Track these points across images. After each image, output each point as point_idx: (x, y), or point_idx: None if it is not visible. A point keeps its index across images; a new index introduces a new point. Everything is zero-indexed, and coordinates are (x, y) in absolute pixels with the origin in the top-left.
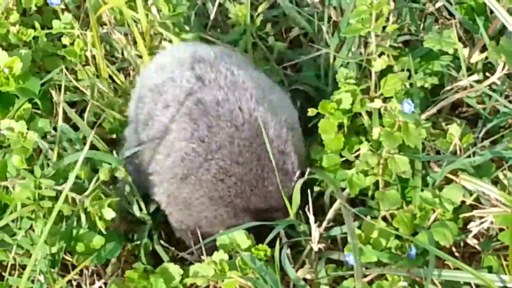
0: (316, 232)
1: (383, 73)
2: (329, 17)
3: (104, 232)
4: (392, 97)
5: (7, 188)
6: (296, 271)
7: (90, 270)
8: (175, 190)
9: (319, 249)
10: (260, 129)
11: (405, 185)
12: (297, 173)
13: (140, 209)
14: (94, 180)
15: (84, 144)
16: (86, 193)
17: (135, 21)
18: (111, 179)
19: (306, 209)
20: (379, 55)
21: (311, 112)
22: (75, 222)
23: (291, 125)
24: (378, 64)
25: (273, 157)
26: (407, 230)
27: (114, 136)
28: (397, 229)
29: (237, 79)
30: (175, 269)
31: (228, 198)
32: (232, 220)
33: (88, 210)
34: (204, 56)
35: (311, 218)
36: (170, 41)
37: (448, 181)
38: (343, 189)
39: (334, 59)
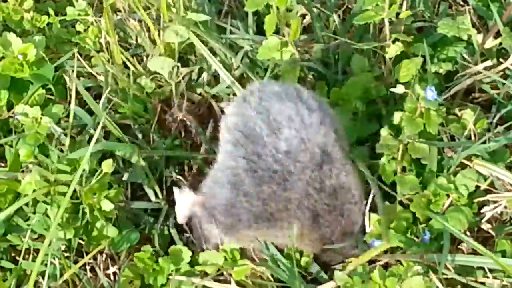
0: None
1: (396, 60)
2: (343, 4)
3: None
4: (407, 82)
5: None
6: None
7: (104, 255)
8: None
9: None
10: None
11: (420, 170)
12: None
13: (156, 195)
14: (98, 172)
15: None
16: (89, 185)
17: (148, 7)
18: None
19: None
20: (393, 42)
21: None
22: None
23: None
24: (392, 50)
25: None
26: (422, 215)
27: (127, 121)
28: (413, 214)
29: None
30: (184, 251)
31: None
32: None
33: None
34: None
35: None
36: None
37: (463, 167)
38: None
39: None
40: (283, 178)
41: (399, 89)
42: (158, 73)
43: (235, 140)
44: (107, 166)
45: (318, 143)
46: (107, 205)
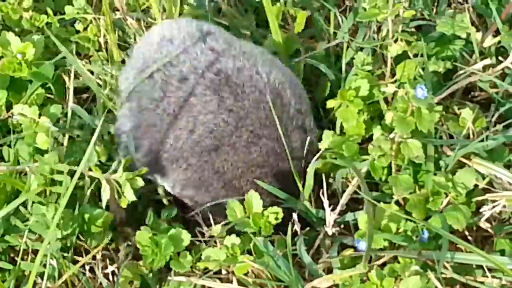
0: (331, 216)
1: (396, 59)
2: (343, 2)
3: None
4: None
5: (19, 173)
6: (308, 253)
7: (103, 255)
8: (203, 164)
9: (333, 233)
10: (279, 92)
11: (417, 169)
12: (315, 130)
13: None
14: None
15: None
16: (111, 170)
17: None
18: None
19: (321, 193)
20: (395, 41)
21: (330, 104)
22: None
23: (300, 86)
24: (394, 50)
25: (294, 116)
26: (420, 214)
27: None
28: (410, 214)
29: (246, 49)
30: (184, 234)
31: (262, 158)
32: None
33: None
34: (211, 29)
35: (326, 202)
36: None
37: (461, 165)
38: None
39: (347, 47)
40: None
41: (390, 89)
42: None
43: None
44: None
45: None
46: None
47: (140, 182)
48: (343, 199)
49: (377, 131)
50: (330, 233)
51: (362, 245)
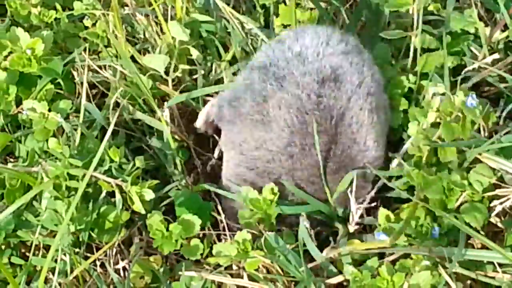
0: (356, 214)
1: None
2: None
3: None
4: (426, 73)
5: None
6: (322, 250)
7: (114, 250)
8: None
9: (354, 231)
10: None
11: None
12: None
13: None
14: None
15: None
16: (123, 177)
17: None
18: None
19: (348, 191)
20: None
21: None
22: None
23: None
24: (419, 41)
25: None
26: (439, 212)
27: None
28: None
29: (352, 105)
30: (194, 219)
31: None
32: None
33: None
34: (334, 73)
35: (353, 200)
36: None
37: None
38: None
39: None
40: (282, 78)
41: (439, 89)
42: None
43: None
44: (140, 161)
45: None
46: (149, 195)
47: (150, 195)
48: (368, 198)
49: (412, 127)
50: (352, 230)
51: (383, 237)
